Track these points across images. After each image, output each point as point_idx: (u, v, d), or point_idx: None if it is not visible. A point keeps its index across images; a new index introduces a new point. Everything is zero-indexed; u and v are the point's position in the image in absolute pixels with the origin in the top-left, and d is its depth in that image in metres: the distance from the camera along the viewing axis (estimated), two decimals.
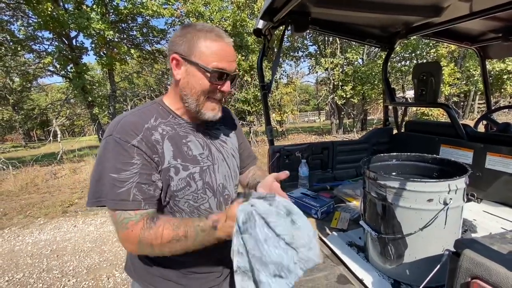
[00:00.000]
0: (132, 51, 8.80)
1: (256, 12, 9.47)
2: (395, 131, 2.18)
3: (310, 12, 1.60)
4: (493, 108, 2.34)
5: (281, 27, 1.68)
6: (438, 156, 0.99)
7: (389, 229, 0.86)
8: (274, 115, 11.66)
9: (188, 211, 0.80)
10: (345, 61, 11.25)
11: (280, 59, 9.81)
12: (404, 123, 2.12)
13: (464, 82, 13.12)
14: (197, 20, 8.18)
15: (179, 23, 9.31)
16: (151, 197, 0.69)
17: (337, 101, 11.22)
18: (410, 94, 13.67)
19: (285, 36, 1.77)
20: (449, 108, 1.65)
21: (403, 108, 2.55)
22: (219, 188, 0.87)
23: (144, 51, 9.53)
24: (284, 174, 0.82)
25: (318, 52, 12.46)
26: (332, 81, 11.32)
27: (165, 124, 0.77)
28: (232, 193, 0.95)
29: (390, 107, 2.14)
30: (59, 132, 8.48)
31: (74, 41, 7.77)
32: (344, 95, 10.93)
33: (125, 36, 8.95)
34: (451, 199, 0.77)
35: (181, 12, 8.45)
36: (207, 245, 0.67)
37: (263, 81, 1.83)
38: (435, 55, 11.42)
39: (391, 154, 1.08)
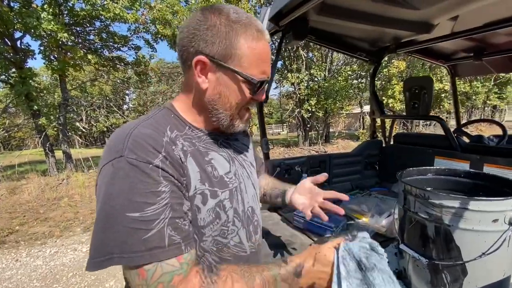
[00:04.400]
0: (90, 56, 8.02)
1: None
2: (384, 144, 2.20)
3: (309, 20, 1.55)
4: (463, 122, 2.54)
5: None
6: (472, 170, 0.94)
7: (444, 254, 0.76)
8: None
9: (216, 251, 0.61)
10: (309, 76, 11.79)
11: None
12: (393, 135, 2.16)
13: None
14: (164, 28, 7.83)
15: (143, 30, 8.84)
16: (188, 234, 0.49)
17: (303, 114, 11.62)
18: (366, 108, 14.87)
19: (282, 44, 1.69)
20: (442, 121, 1.70)
21: (391, 120, 2.61)
22: (248, 213, 0.69)
23: (102, 57, 8.77)
24: (323, 176, 0.71)
25: (284, 67, 12.91)
26: (298, 95, 11.73)
27: (183, 138, 0.58)
28: (260, 218, 0.77)
29: (378, 120, 2.17)
30: None
31: (18, 42, 6.81)
32: (310, 109, 11.39)
33: (80, 40, 8.16)
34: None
35: (146, 18, 8.03)
36: None
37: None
38: (387, 74, 12.62)
39: (419, 168, 1.01)
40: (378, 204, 1.56)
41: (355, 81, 13.46)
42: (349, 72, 12.70)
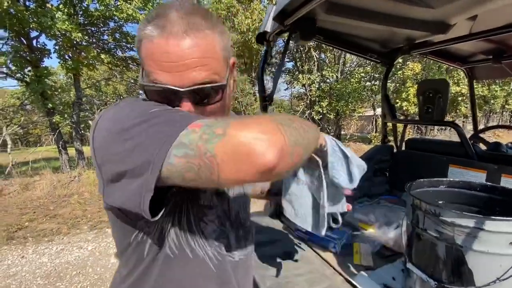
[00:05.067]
0: (103, 56, 8.17)
1: (236, 26, 9.46)
2: (395, 149, 2.10)
3: (317, 19, 1.49)
4: (480, 128, 2.40)
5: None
6: (489, 184, 0.86)
7: (455, 277, 0.69)
8: None
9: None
10: (321, 78, 11.63)
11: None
12: (404, 140, 2.06)
13: None
14: None
15: None
16: None
17: (314, 116, 11.46)
18: (379, 111, 14.55)
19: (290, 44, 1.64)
20: (458, 127, 1.60)
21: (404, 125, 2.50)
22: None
23: (115, 57, 8.93)
24: None
25: (295, 68, 12.79)
26: (309, 96, 11.59)
27: None
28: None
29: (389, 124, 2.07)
30: (9, 142, 7.47)
31: (34, 41, 7.02)
32: (321, 111, 11.22)
33: (94, 40, 8.34)
34: None
35: None
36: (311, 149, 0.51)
37: (264, 91, 1.65)
38: (401, 76, 12.28)
39: (430, 180, 0.94)
40: (386, 215, 1.48)
41: (368, 83, 13.17)
42: (362, 74, 12.44)
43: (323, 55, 12.36)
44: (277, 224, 1.45)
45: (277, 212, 1.57)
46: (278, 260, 1.11)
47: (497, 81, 13.06)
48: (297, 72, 12.18)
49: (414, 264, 0.79)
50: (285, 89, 17.00)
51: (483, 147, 2.14)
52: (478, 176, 1.48)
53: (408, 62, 11.75)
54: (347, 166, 0.63)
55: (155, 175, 0.37)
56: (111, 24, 8.22)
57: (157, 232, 0.52)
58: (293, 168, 0.43)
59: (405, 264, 0.83)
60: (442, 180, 0.92)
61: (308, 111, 11.74)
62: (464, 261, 0.67)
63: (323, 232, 0.64)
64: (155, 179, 0.37)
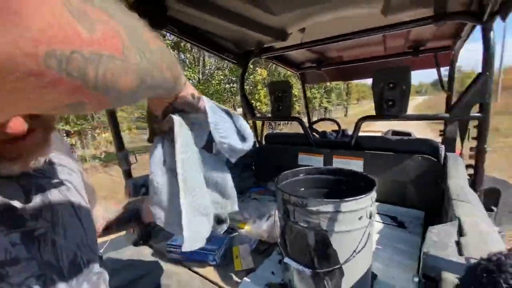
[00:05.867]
0: None
1: None
2: (257, 144, 2.27)
3: (168, 6, 1.32)
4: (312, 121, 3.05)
5: None
6: (331, 167, 1.01)
7: (324, 261, 0.74)
8: (104, 135, 9.86)
9: None
10: None
11: None
12: (264, 136, 2.26)
13: None
14: None
15: None
16: None
17: None
18: (239, 111, 16.19)
19: None
20: (301, 121, 1.90)
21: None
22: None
23: None
24: None
25: None
26: None
27: None
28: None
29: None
30: None
31: None
32: None
33: None
34: (371, 211, 0.75)
35: None
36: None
37: None
38: (253, 80, 14.14)
39: (292, 171, 1.00)
40: (258, 208, 1.53)
41: (227, 85, 14.23)
42: (222, 77, 13.27)
43: (182, 55, 12.16)
44: (145, 253, 1.17)
45: (143, 236, 1.29)
46: None
47: (315, 85, 17.64)
48: None
49: (290, 256, 0.80)
50: None
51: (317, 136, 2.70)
52: (318, 160, 1.82)
53: (257, 68, 13.66)
54: (235, 125, 0.52)
55: None
56: None
57: None
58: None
59: (282, 258, 0.83)
60: (300, 169, 1.01)
61: None
62: (329, 243, 0.72)
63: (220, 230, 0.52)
64: None
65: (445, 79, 2.18)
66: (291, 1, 1.30)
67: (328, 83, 20.00)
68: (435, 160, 1.41)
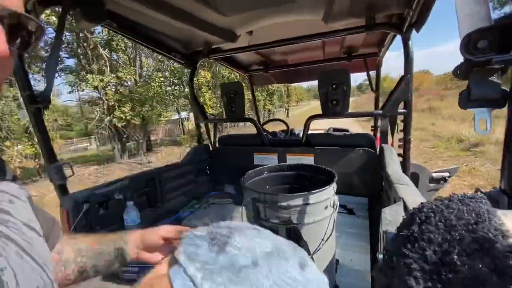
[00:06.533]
0: None
1: None
2: (211, 148, 2.22)
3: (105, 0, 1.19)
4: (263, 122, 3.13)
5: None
6: (292, 164, 1.05)
7: None
8: (20, 147, 8.36)
9: None
10: (117, 80, 10.37)
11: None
12: (217, 138, 2.22)
13: (219, 105, 17.10)
14: None
15: None
16: None
17: (117, 123, 10.08)
18: (183, 114, 15.52)
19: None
20: (255, 121, 1.93)
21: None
22: None
23: None
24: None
25: (80, 67, 10.48)
26: (106, 101, 9.99)
27: None
28: None
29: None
30: None
31: None
32: (124, 117, 10.06)
33: None
34: (334, 200, 0.81)
35: None
36: None
37: (31, 88, 1.08)
38: (197, 83, 13.77)
39: (255, 170, 1.01)
40: (218, 212, 1.50)
41: (169, 88, 13.51)
42: (162, 79, 12.54)
43: (115, 55, 11.06)
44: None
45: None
46: None
47: (259, 88, 18.15)
48: (83, 72, 10.05)
49: None
50: (69, 92, 13.59)
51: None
52: (272, 158, 1.88)
53: (200, 71, 13.35)
54: None
55: None
56: None
57: None
58: None
59: None
60: (264, 167, 1.02)
61: (108, 117, 10.13)
62: (300, 236, 0.75)
63: None
64: None
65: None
66: (240, 2, 1.31)
67: (270, 86, 20.93)
68: (373, 151, 1.61)
